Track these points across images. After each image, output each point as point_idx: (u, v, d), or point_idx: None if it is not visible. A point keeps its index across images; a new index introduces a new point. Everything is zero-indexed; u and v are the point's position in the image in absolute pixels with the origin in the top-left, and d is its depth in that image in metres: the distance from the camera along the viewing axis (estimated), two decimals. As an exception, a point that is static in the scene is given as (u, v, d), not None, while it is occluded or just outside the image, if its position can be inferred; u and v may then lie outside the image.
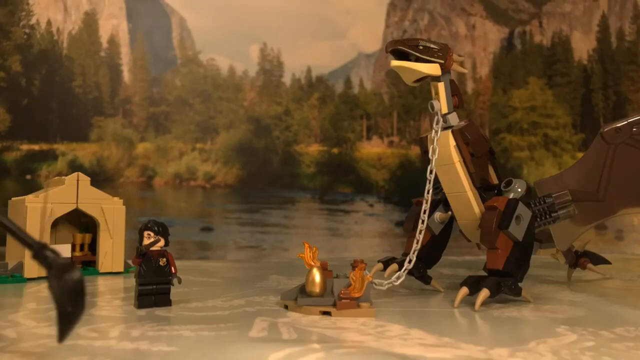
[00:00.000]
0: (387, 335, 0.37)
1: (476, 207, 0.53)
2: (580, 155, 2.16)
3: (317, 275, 0.45)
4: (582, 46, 2.24)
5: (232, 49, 2.09)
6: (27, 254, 0.65)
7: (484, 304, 0.47)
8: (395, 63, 0.50)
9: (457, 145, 0.52)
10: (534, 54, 2.25)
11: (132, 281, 0.65)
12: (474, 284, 0.48)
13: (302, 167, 2.00)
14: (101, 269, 0.72)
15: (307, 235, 1.98)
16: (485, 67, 2.21)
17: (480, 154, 0.52)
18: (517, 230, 0.49)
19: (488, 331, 0.40)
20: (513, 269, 0.49)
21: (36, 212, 0.67)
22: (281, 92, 2.10)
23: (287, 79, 2.10)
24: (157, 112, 2.03)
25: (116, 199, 0.74)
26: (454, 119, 0.53)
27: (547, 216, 0.55)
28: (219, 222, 2.03)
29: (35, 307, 0.48)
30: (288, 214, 2.02)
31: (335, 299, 0.45)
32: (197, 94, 2.02)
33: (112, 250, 0.72)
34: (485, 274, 0.50)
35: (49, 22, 1.96)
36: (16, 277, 0.64)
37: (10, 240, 0.70)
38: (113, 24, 2.06)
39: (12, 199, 0.72)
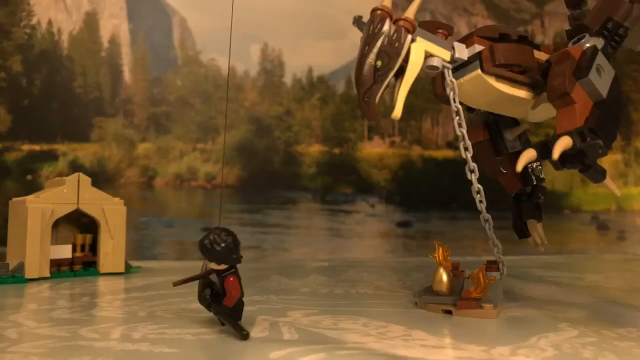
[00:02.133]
0: (389, 336, 0.37)
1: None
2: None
3: (444, 275, 0.46)
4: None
5: (233, 49, 2.08)
6: (29, 254, 0.65)
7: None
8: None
9: (496, 75, 0.42)
10: (535, 54, 2.24)
11: (133, 281, 0.65)
12: (543, 147, 0.39)
13: (303, 167, 2.00)
14: (102, 270, 0.72)
15: (308, 236, 1.98)
16: (487, 67, 2.20)
17: (520, 60, 0.42)
18: (600, 83, 0.39)
19: (489, 331, 0.39)
20: (598, 128, 0.38)
21: (37, 212, 0.67)
22: (282, 92, 2.10)
23: (288, 79, 2.10)
24: (158, 112, 2.03)
25: (117, 199, 0.74)
26: (460, 50, 0.42)
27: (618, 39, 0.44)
28: (219, 223, 2.02)
29: (36, 307, 0.48)
30: (289, 214, 2.02)
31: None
32: (198, 94, 2.03)
33: (112, 250, 0.72)
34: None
35: (49, 22, 1.96)
36: (17, 277, 0.64)
37: (11, 241, 0.70)
38: (114, 23, 2.07)
39: (13, 199, 0.72)
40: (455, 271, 0.48)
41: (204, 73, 2.03)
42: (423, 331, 0.39)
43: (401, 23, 0.39)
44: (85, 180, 0.72)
